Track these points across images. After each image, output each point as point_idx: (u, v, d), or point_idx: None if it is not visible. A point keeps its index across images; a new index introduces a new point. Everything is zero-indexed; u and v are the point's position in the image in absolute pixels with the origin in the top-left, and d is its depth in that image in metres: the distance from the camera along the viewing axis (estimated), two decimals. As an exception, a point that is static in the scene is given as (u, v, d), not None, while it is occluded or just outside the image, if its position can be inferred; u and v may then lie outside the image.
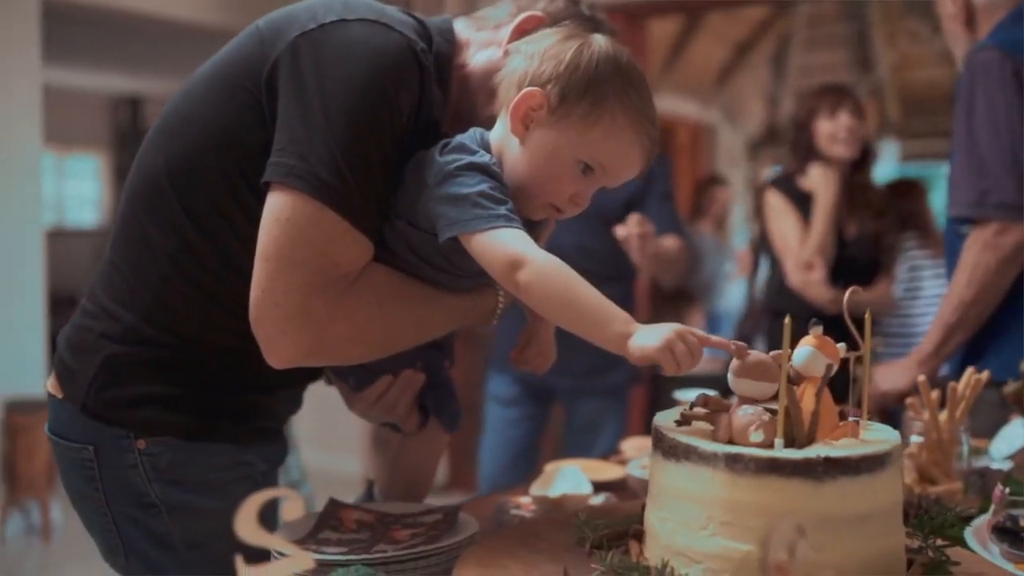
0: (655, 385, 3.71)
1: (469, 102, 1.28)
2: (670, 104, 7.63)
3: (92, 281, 1.26)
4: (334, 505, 1.28)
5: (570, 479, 1.48)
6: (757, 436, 0.92)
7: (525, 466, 2.70)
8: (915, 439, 1.44)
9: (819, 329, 0.97)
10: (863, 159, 2.85)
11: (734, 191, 6.69)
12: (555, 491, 1.42)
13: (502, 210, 1.07)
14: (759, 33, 7.61)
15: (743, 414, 0.94)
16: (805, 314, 2.82)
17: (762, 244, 2.99)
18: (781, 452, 0.90)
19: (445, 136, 1.19)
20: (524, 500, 1.44)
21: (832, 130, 2.76)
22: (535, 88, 1.11)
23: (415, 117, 1.16)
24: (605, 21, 1.37)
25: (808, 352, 0.97)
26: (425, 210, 1.12)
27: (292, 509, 0.78)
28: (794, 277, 2.76)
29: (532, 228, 1.23)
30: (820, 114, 2.77)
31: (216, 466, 1.23)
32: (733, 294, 5.43)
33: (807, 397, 0.96)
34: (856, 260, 2.81)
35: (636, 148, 1.13)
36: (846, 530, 0.90)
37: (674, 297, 4.68)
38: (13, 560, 4.09)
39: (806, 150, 2.82)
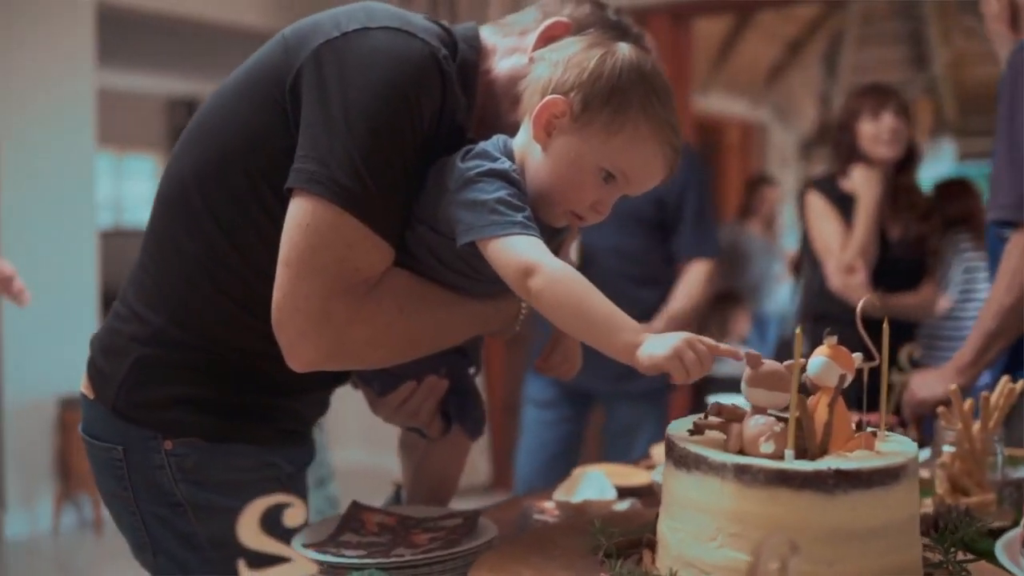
0: (697, 390, 3.69)
1: (494, 108, 1.29)
2: (719, 103, 7.56)
3: (124, 284, 1.29)
4: (356, 508, 1.30)
5: (594, 484, 1.47)
6: (767, 447, 0.91)
7: (561, 469, 2.69)
8: (947, 449, 1.41)
9: (834, 339, 0.96)
10: (907, 160, 2.80)
11: (784, 191, 6.61)
12: (579, 496, 1.42)
13: (519, 217, 1.08)
14: (811, 31, 7.51)
15: (754, 424, 0.93)
16: (846, 318, 2.79)
17: (804, 247, 2.95)
18: (791, 464, 0.89)
19: (471, 142, 1.20)
20: (548, 505, 1.44)
21: (875, 131, 2.71)
22: (558, 96, 1.12)
23: (437, 123, 1.16)
24: (631, 26, 1.37)
25: (822, 362, 0.95)
26: (445, 215, 1.12)
27: (293, 516, 0.79)
28: (835, 280, 2.72)
29: (554, 235, 1.23)
30: (863, 115, 2.73)
31: (241, 467, 1.25)
32: (781, 296, 5.37)
33: (821, 408, 0.95)
34: (899, 263, 2.76)
35: (659, 157, 1.13)
36: (858, 545, 0.89)
37: (720, 298, 4.64)
38: (66, 553, 4.20)
39: (849, 151, 2.77)
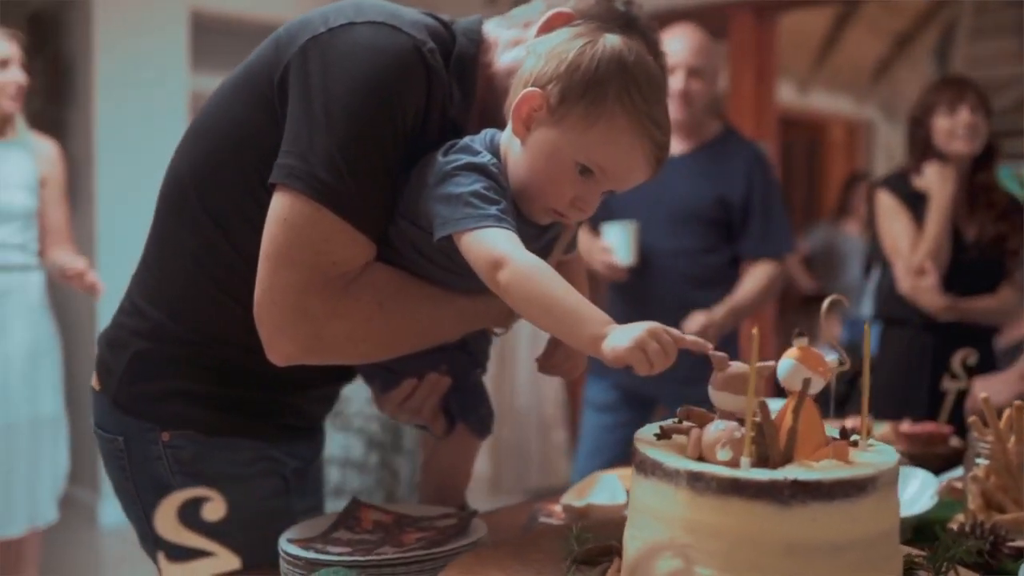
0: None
1: (496, 101, 1.27)
2: (822, 100, 7.33)
3: (130, 281, 1.32)
4: (355, 504, 1.29)
5: (607, 488, 1.44)
6: (724, 454, 0.86)
7: None
8: (980, 462, 1.32)
9: (804, 340, 0.90)
10: (986, 156, 2.64)
11: (887, 190, 6.34)
12: (589, 500, 1.39)
13: (492, 210, 1.06)
14: (921, 23, 7.19)
15: (714, 430, 0.89)
16: (917, 322, 2.66)
17: (874, 247, 2.81)
18: (745, 472, 0.84)
19: (469, 135, 1.18)
20: (557, 508, 1.41)
21: (950, 126, 2.57)
22: (535, 89, 1.09)
23: (424, 117, 1.15)
24: (640, 17, 1.32)
25: (789, 365, 0.90)
26: (424, 209, 1.11)
27: (213, 510, 0.78)
28: (904, 282, 2.59)
29: (542, 232, 1.20)
30: (938, 109, 2.58)
31: (237, 461, 1.26)
32: (878, 299, 5.15)
33: (789, 414, 0.89)
34: (975, 265, 2.60)
35: (636, 151, 1.09)
36: (819, 560, 0.83)
37: (808, 301, 4.49)
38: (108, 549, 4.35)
39: (923, 147, 2.63)
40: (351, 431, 3.22)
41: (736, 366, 0.92)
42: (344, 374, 1.35)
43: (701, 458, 0.89)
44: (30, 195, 2.84)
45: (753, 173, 2.61)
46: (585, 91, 1.07)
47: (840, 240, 5.18)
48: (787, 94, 7.10)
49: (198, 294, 1.23)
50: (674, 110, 2.55)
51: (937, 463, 1.66)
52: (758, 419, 0.86)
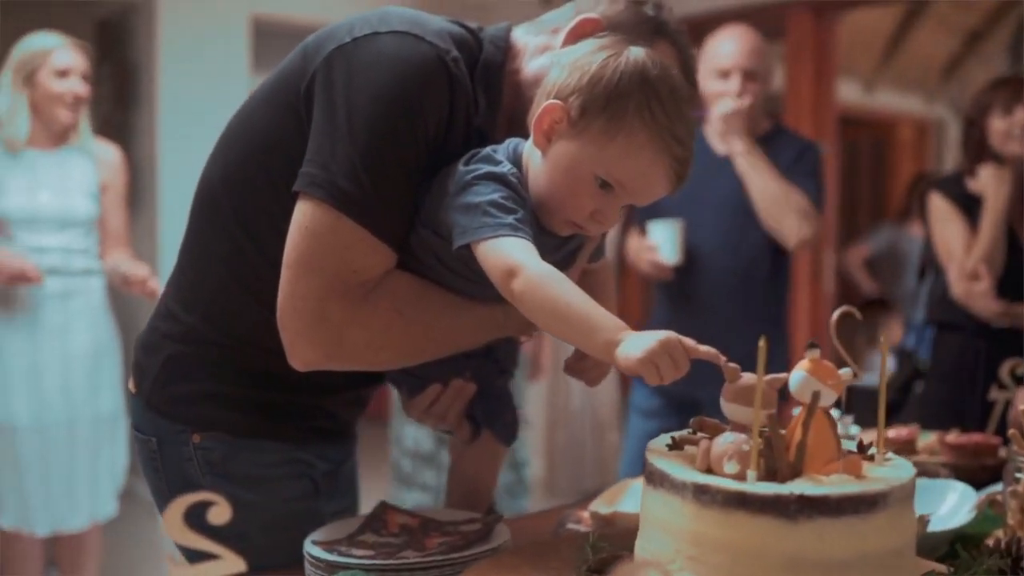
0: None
1: (523, 109, 1.27)
2: (889, 99, 7.17)
3: (165, 285, 1.35)
4: (383, 507, 1.31)
5: (636, 496, 1.42)
6: (731, 467, 0.85)
7: None
8: (1021, 476, 1.28)
9: (816, 352, 0.89)
10: (1045, 159, 2.56)
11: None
12: (619, 507, 1.38)
13: (509, 219, 1.06)
14: (993, 19, 6.98)
15: (722, 442, 0.88)
16: (970, 327, 2.58)
17: (926, 251, 2.74)
18: (751, 486, 0.83)
19: (496, 144, 1.19)
20: (586, 515, 1.41)
21: (1006, 127, 2.49)
22: (557, 101, 1.09)
23: (447, 126, 1.16)
24: (670, 22, 1.31)
25: (799, 377, 0.88)
26: (444, 219, 1.12)
27: (217, 514, 0.80)
28: (957, 287, 2.52)
29: (563, 243, 1.20)
30: (994, 109, 2.51)
31: (265, 463, 1.29)
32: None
33: (799, 427, 0.88)
34: (1032, 269, 2.52)
35: (656, 167, 1.08)
36: (826, 576, 0.82)
37: (869, 305, 4.39)
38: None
39: (978, 149, 2.56)
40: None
41: (747, 377, 0.90)
42: (373, 378, 1.36)
43: (710, 470, 0.88)
44: (92, 201, 2.92)
45: (796, 163, 2.57)
46: (606, 105, 1.06)
47: (904, 242, 5.06)
48: (852, 93, 6.96)
49: (228, 299, 1.26)
50: None
51: (984, 475, 1.62)
52: (766, 432, 0.85)
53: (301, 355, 1.14)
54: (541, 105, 1.11)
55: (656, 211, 2.65)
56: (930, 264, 2.75)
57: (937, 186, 2.69)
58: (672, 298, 2.68)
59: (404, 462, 3.55)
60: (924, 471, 1.60)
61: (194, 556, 0.81)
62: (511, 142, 1.18)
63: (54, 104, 2.80)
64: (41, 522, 2.82)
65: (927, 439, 1.79)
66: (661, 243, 2.60)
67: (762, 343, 0.83)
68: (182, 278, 1.31)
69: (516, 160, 1.15)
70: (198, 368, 1.28)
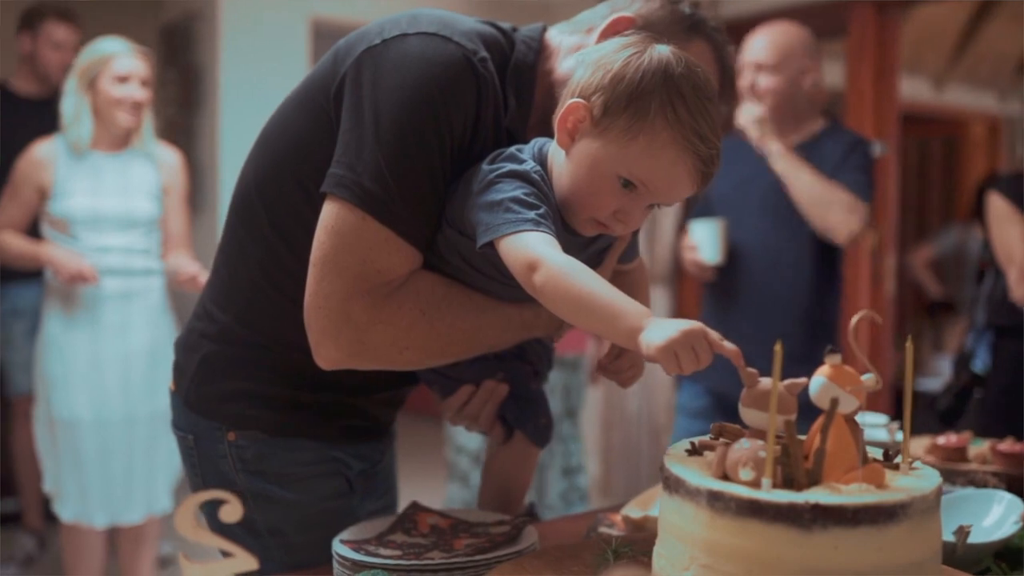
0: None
1: (555, 109, 1.27)
2: (960, 97, 6.97)
3: (204, 286, 1.38)
4: (414, 508, 1.32)
5: (670, 501, 1.41)
6: (746, 474, 0.83)
7: None
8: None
9: (836, 358, 0.86)
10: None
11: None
12: (652, 511, 1.37)
13: (531, 214, 1.05)
14: (1070, 13, 6.75)
15: (738, 448, 0.86)
16: (1032, 333, 2.48)
17: (985, 253, 2.66)
18: (764, 493, 0.81)
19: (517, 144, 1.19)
20: (618, 518, 1.40)
21: None
22: (579, 100, 1.08)
23: (474, 126, 1.16)
24: (707, 20, 1.30)
25: (819, 382, 0.86)
26: (469, 218, 1.12)
27: (230, 512, 0.81)
28: (1017, 291, 2.43)
29: (590, 242, 1.19)
30: None
31: (298, 461, 1.30)
32: (1013, 307, 4.87)
33: (817, 434, 0.86)
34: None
35: (679, 166, 1.06)
36: (843, 588, 0.80)
37: (935, 308, 4.28)
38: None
39: None
40: None
41: (765, 382, 0.89)
42: (408, 378, 1.37)
43: (726, 477, 0.86)
44: (153, 203, 2.99)
45: (844, 161, 2.52)
46: (628, 103, 1.05)
47: (972, 243, 4.92)
48: (922, 91, 6.79)
49: (262, 299, 1.27)
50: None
51: (1039, 485, 1.56)
52: (783, 438, 0.83)
53: (326, 354, 1.15)
54: (565, 104, 1.10)
55: (706, 211, 2.63)
56: (990, 266, 2.66)
57: (997, 186, 2.61)
58: (717, 298, 2.66)
59: (460, 460, 3.57)
60: (972, 480, 1.56)
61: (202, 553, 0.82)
62: (537, 141, 1.18)
63: (114, 108, 2.87)
64: (99, 515, 2.89)
65: (979, 447, 1.74)
66: (702, 242, 2.58)
67: (778, 347, 0.82)
68: (217, 279, 1.34)
69: (541, 159, 1.15)
70: (233, 367, 1.30)
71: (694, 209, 2.80)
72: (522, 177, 1.09)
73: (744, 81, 2.62)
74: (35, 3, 3.77)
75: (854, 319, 0.88)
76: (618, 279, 1.37)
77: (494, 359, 1.31)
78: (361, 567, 1.13)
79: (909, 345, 0.89)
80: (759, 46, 2.60)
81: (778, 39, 2.60)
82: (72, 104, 2.89)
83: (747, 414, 0.89)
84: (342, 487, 1.35)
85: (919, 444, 1.69)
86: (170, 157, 3.11)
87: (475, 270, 1.17)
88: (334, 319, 1.13)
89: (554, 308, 1.03)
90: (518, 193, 1.07)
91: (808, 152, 2.55)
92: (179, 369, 1.35)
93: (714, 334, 0.91)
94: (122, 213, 2.92)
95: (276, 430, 1.29)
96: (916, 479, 0.87)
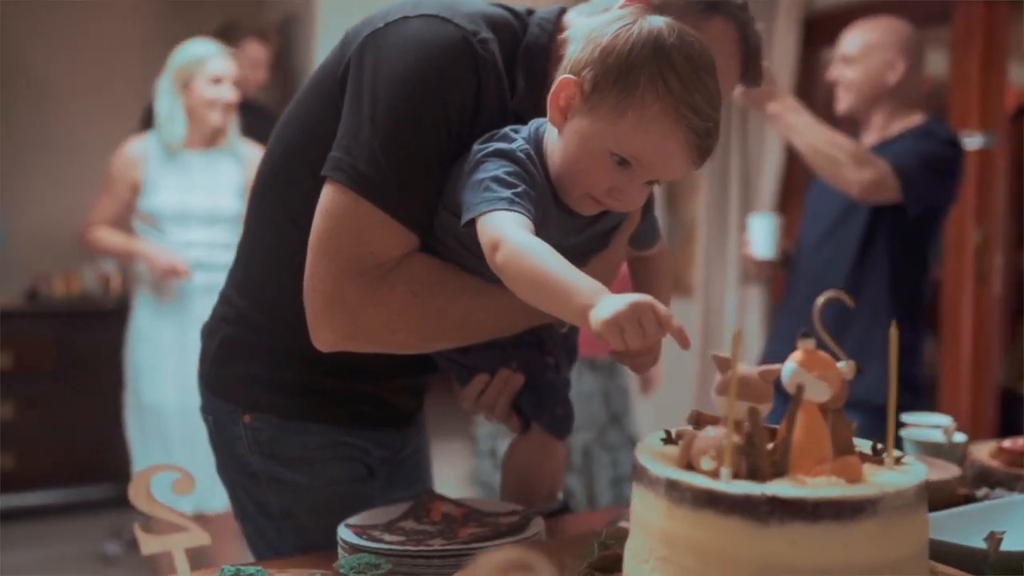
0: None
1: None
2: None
3: (228, 272, 1.41)
4: (428, 496, 1.31)
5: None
6: (707, 463, 0.79)
7: None
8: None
9: (810, 342, 0.81)
10: None
11: None
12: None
13: (507, 193, 1.04)
14: None
15: (704, 436, 0.82)
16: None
17: None
18: (720, 484, 0.77)
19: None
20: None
21: None
22: (569, 76, 1.06)
23: (475, 109, 1.15)
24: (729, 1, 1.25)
25: (790, 369, 0.81)
26: (458, 199, 1.11)
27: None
28: None
29: (591, 223, 1.16)
30: None
31: (309, 445, 1.31)
32: None
33: (801, 422, 0.81)
34: None
35: (671, 140, 1.02)
36: (802, 586, 0.75)
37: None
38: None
39: None
40: None
41: (740, 370, 0.84)
42: (425, 366, 1.37)
43: (691, 467, 0.82)
44: (238, 199, 3.09)
45: (911, 143, 2.42)
46: (617, 77, 1.02)
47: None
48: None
49: (275, 284, 1.29)
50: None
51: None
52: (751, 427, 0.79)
53: (321, 336, 1.16)
54: (557, 80, 1.08)
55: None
56: None
57: None
58: (790, 289, 2.62)
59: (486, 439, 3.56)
60: (1033, 485, 1.45)
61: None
62: (535, 122, 1.16)
63: (207, 109, 2.99)
64: (185, 501, 2.99)
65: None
66: (756, 237, 2.52)
67: (736, 332, 0.77)
68: (237, 265, 1.36)
69: (537, 139, 1.13)
70: (248, 351, 1.32)
71: None
72: (507, 156, 1.08)
73: (831, 73, 2.59)
74: (231, 21, 3.95)
75: (819, 300, 0.83)
76: (638, 265, 1.34)
77: (509, 347, 1.29)
78: (357, 551, 1.13)
79: (893, 331, 0.83)
80: (847, 39, 2.58)
81: (866, 33, 2.56)
82: (166, 104, 3.02)
83: (719, 401, 0.85)
84: (358, 472, 1.35)
85: (986, 447, 1.59)
86: (255, 155, 3.20)
87: (470, 252, 1.16)
88: (327, 301, 1.13)
89: (513, 287, 1.02)
90: (498, 172, 1.06)
91: (887, 149, 2.45)
92: (203, 352, 1.39)
93: (663, 308, 0.88)
94: (208, 209, 3.03)
95: (288, 413, 1.31)
96: (898, 474, 0.82)
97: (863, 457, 0.85)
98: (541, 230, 1.04)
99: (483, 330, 1.21)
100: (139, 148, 3.05)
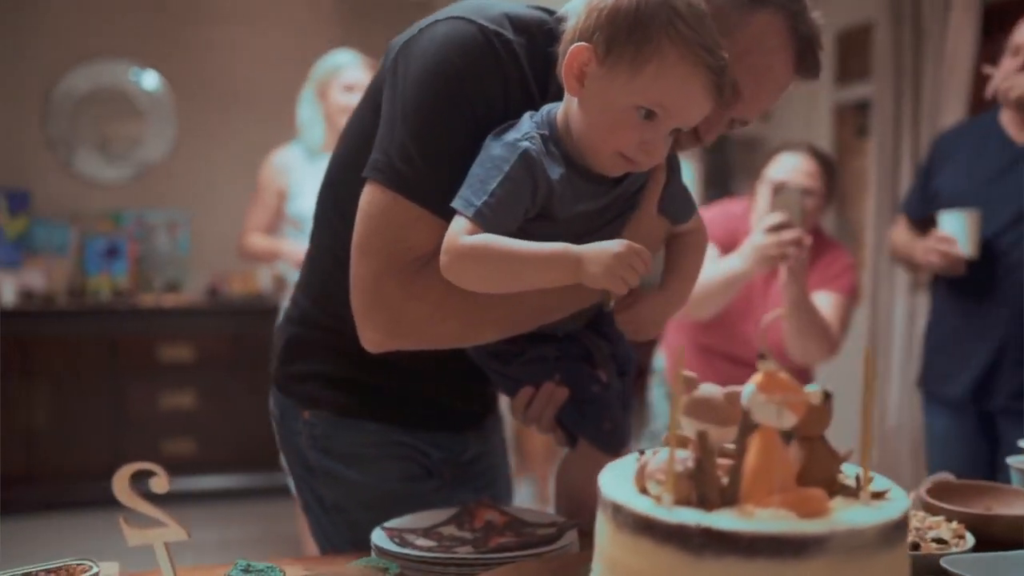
0: None
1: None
2: None
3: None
4: (475, 503, 1.31)
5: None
6: (654, 487, 0.76)
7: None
8: None
9: (769, 364, 0.76)
10: None
11: None
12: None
13: (478, 201, 1.10)
14: None
15: (657, 460, 0.78)
16: None
17: None
18: (660, 511, 0.73)
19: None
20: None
21: None
22: (581, 43, 1.08)
23: (503, 103, 1.17)
24: None
25: (747, 391, 0.76)
26: None
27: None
28: None
29: (613, 187, 1.18)
30: None
31: (363, 442, 1.35)
32: None
33: (753, 448, 0.76)
34: None
35: (693, 81, 1.06)
36: (738, 625, 0.70)
37: None
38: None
39: None
40: None
41: (704, 388, 0.80)
42: (476, 373, 1.37)
43: (644, 491, 0.79)
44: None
45: None
46: (631, 33, 1.06)
47: None
48: None
49: (333, 284, 1.33)
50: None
51: None
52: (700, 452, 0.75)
53: (366, 336, 1.20)
54: (566, 53, 1.10)
55: (939, 201, 2.47)
56: None
57: None
58: (958, 293, 2.47)
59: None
60: None
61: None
62: (545, 107, 1.18)
63: (341, 115, 3.12)
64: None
65: None
66: (957, 235, 2.36)
67: (866, 353, 0.73)
68: (305, 268, 1.43)
69: (549, 120, 1.15)
70: (309, 349, 1.38)
71: (916, 201, 2.59)
72: (507, 147, 1.11)
73: (1008, 62, 2.42)
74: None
75: (767, 317, 0.77)
76: (678, 241, 1.31)
77: (554, 360, 1.28)
78: (380, 554, 1.15)
79: (866, 356, 0.76)
80: (1021, 28, 2.39)
81: None
82: (307, 111, 3.18)
83: (686, 424, 0.81)
84: (412, 471, 1.38)
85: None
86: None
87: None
88: (368, 300, 1.17)
89: (479, 276, 1.10)
90: (480, 171, 1.11)
91: None
92: (273, 350, 1.46)
93: (636, 245, 1.08)
94: None
95: (342, 410, 1.36)
96: (870, 511, 0.75)
97: (842, 490, 0.79)
98: (555, 206, 1.13)
99: (528, 313, 1.21)
100: (283, 157, 3.23)
